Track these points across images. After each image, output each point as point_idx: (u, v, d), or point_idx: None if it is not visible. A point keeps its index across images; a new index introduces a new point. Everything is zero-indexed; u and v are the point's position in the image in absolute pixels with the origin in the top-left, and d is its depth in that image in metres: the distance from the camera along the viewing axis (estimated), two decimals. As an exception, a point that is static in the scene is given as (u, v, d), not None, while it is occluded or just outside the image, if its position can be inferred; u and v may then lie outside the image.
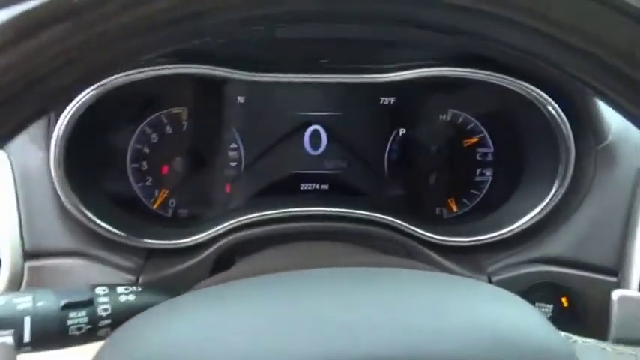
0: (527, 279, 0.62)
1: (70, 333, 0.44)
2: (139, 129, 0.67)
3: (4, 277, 0.57)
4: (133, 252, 0.62)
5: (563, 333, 0.32)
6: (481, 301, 0.30)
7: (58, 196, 0.59)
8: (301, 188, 0.70)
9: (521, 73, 0.59)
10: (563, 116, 0.59)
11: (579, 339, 0.33)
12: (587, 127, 0.60)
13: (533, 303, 0.59)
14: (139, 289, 0.47)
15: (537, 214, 0.61)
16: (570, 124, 0.60)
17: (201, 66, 0.58)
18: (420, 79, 0.61)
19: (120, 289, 0.47)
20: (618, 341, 0.34)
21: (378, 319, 0.26)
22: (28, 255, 0.59)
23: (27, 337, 0.42)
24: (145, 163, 0.68)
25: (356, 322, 0.26)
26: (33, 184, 0.60)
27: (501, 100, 0.67)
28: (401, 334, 0.26)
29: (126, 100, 0.66)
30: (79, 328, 0.44)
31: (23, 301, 0.43)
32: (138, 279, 0.60)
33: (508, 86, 0.59)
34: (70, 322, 0.44)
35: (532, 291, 0.60)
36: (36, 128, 0.60)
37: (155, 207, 0.69)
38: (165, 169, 0.68)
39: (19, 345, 0.41)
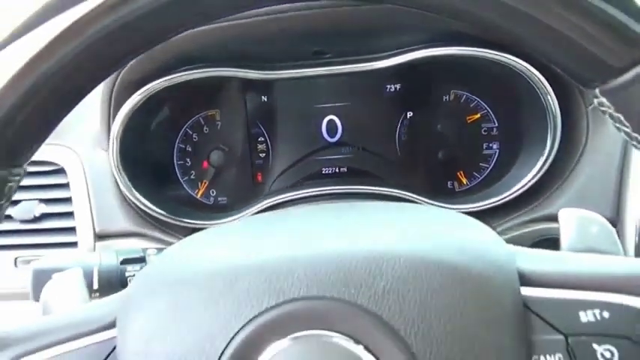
0: (531, 236, 0.66)
1: (127, 282, 0.55)
2: (182, 131, 0.80)
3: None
4: (180, 232, 0.74)
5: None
6: (442, 216, 0.37)
7: (119, 188, 0.72)
8: (323, 172, 0.79)
9: (509, 48, 0.65)
10: (548, 85, 0.64)
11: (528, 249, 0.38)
12: (575, 92, 0.65)
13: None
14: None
15: (534, 176, 0.66)
16: (560, 92, 0.65)
17: (231, 69, 0.69)
18: (419, 61, 0.68)
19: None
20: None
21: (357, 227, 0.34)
22: (98, 237, 0.72)
23: (95, 285, 0.53)
24: (188, 160, 0.80)
25: (342, 230, 0.34)
26: (99, 180, 0.73)
27: (498, 77, 0.73)
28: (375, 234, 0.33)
29: (171, 106, 0.78)
30: (135, 279, 0.55)
31: (92, 258, 0.55)
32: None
33: (496, 60, 0.65)
34: (127, 273, 0.55)
35: (535, 247, 0.64)
36: (100, 134, 0.73)
37: (199, 196, 0.81)
38: (205, 164, 0.80)
39: (90, 292, 0.53)
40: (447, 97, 0.77)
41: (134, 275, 0.55)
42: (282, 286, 0.29)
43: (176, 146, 0.80)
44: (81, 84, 0.31)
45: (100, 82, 0.32)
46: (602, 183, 0.64)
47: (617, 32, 0.27)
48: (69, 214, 0.72)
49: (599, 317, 0.29)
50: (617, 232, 0.60)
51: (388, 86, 0.77)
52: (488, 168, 0.77)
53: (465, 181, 0.78)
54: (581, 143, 0.66)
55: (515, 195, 0.68)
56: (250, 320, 0.29)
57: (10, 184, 0.33)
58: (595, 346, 0.29)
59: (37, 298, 0.53)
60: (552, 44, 0.28)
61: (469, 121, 0.77)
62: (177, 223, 0.72)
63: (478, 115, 0.76)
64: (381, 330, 0.28)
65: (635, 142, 0.30)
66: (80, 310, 0.36)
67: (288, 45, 0.69)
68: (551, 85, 0.64)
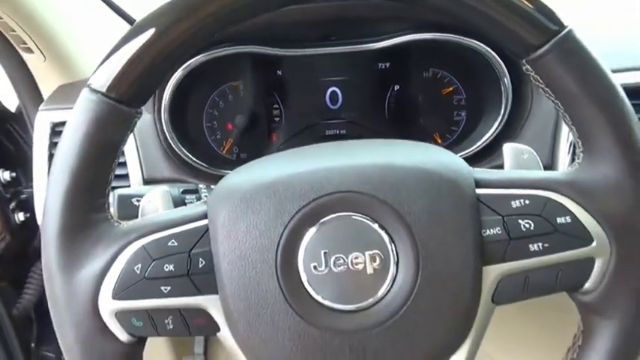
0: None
1: (188, 206, 0.72)
2: (210, 98, 0.96)
3: (132, 195, 0.87)
4: (212, 179, 0.90)
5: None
6: (425, 145, 0.50)
7: (161, 142, 0.88)
8: (326, 133, 0.96)
9: (474, 34, 0.84)
10: (504, 65, 0.84)
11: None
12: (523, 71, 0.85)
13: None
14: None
15: (491, 134, 0.86)
16: (512, 70, 0.84)
17: (253, 46, 0.86)
18: (405, 44, 0.85)
19: (212, 187, 0.75)
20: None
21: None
22: (146, 182, 0.88)
23: (164, 208, 0.70)
24: (215, 122, 0.97)
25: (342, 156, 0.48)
26: (144, 136, 0.89)
27: (467, 58, 0.92)
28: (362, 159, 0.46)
29: (202, 77, 0.95)
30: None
31: (160, 188, 0.72)
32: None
33: (465, 44, 0.84)
34: (187, 200, 0.73)
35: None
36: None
37: (224, 152, 0.98)
38: (229, 126, 0.97)
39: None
40: (427, 74, 0.95)
41: (192, 202, 0.73)
42: (316, 188, 0.41)
43: (205, 111, 0.97)
44: (195, 43, 0.47)
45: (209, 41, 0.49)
46: (542, 139, 0.84)
47: (534, 23, 0.46)
48: (122, 164, 0.88)
49: (522, 204, 0.46)
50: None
51: (380, 64, 0.94)
52: (457, 131, 0.97)
53: (439, 141, 0.97)
54: (526, 110, 0.86)
55: (477, 150, 0.88)
56: (294, 215, 0.42)
57: (135, 119, 0.50)
58: (520, 221, 0.46)
59: (121, 218, 0.70)
60: (496, 31, 0.47)
61: (444, 94, 0.96)
62: (212, 172, 0.89)
63: (451, 89, 0.94)
64: (388, 212, 0.44)
65: (547, 95, 0.50)
66: (177, 209, 0.52)
67: (302, 29, 0.87)
68: (506, 66, 0.84)
